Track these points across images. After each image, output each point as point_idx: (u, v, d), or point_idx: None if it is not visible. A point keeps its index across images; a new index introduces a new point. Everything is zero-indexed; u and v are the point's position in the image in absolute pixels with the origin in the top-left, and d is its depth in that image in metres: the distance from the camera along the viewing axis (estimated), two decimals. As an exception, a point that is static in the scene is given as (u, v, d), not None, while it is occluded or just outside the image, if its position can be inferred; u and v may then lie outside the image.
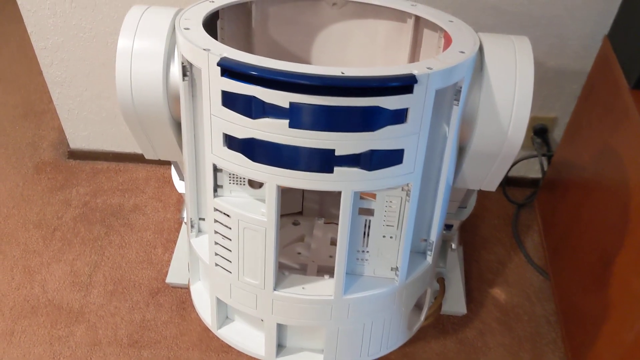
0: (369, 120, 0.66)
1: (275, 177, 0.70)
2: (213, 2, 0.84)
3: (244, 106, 0.67)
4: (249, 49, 0.96)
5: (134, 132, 0.84)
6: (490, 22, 1.15)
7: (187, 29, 0.73)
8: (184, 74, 0.74)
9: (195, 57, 0.70)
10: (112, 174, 1.47)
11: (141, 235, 1.31)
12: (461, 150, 0.82)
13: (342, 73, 0.64)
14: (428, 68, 0.67)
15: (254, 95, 0.66)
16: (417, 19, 0.91)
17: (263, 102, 0.66)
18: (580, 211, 1.11)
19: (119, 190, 1.43)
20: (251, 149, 0.69)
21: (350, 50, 0.99)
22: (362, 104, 0.65)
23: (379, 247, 0.79)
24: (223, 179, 0.77)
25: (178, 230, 1.33)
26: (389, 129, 0.68)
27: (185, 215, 1.09)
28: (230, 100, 0.68)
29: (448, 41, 0.82)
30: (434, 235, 0.83)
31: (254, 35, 0.95)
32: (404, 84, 0.65)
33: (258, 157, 0.70)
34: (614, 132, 0.98)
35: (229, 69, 0.66)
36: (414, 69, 0.67)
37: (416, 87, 0.66)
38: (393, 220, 0.78)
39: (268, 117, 0.67)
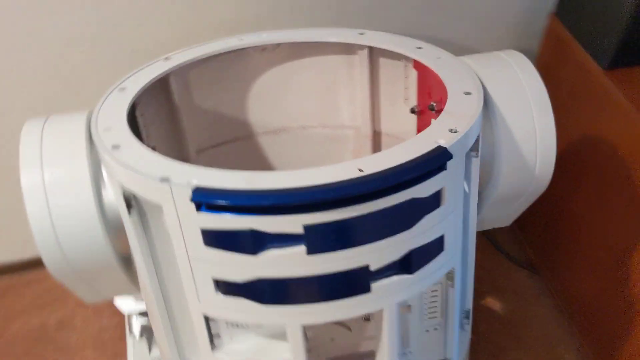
0: (405, 217, 0.51)
1: (299, 316, 0.53)
2: (124, 89, 0.63)
3: (240, 242, 0.49)
4: (176, 126, 0.77)
5: (69, 285, 0.63)
6: (416, 18, 1.01)
7: (117, 146, 0.53)
8: (128, 207, 0.54)
9: (146, 190, 0.50)
10: (22, 288, 1.20)
11: (80, 358, 1.08)
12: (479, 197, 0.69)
13: (361, 170, 0.48)
14: (452, 131, 0.53)
15: (251, 227, 0.48)
16: (371, 48, 0.75)
17: (265, 234, 0.48)
18: (568, 203, 1.03)
19: (37, 307, 1.17)
20: (259, 291, 0.52)
21: (293, 97, 0.82)
22: (394, 202, 0.49)
23: (422, 343, 0.65)
24: (219, 326, 0.58)
25: (123, 339, 1.10)
26: (427, 219, 0.53)
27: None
28: (216, 239, 0.49)
29: (424, 71, 0.68)
30: (469, 302, 0.69)
31: (180, 109, 0.75)
32: (439, 164, 0.50)
33: (270, 298, 0.52)
34: (596, 118, 0.90)
35: (210, 204, 0.47)
36: (439, 139, 0.52)
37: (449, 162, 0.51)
38: (435, 310, 0.63)
39: (276, 249, 0.49)
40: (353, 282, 0.52)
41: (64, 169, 0.55)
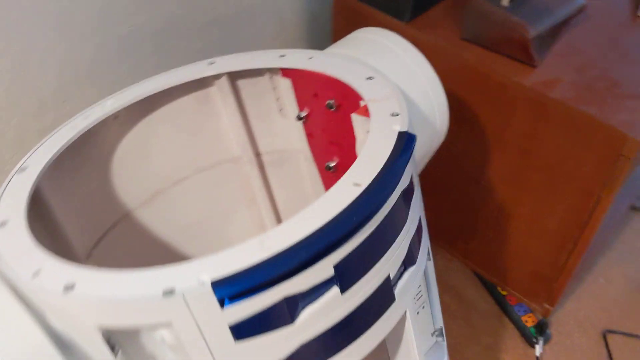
0: (403, 210, 0.50)
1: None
2: (6, 221, 0.50)
3: (275, 317, 0.43)
4: (58, 238, 0.64)
5: None
6: (216, 36, 0.98)
7: (71, 286, 0.42)
8: (113, 349, 0.44)
9: (145, 315, 0.41)
10: None
11: None
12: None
13: (358, 184, 0.46)
14: (394, 115, 0.53)
15: (284, 295, 0.42)
16: (228, 74, 0.71)
17: (299, 295, 0.43)
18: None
19: None
20: (303, 357, 0.46)
21: (156, 154, 0.74)
22: (395, 199, 0.48)
23: (418, 325, 0.65)
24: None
25: None
26: (412, 206, 0.52)
27: None
28: (248, 327, 0.43)
29: (299, 76, 0.67)
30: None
31: (57, 216, 0.63)
32: (412, 148, 0.50)
33: (316, 358, 0.47)
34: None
35: (238, 292, 0.40)
36: (393, 125, 0.51)
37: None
38: (420, 290, 0.64)
39: (311, 304, 0.45)
40: (382, 298, 0.50)
41: (15, 343, 0.42)
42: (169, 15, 0.88)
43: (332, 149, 0.70)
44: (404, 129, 0.51)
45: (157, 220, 0.75)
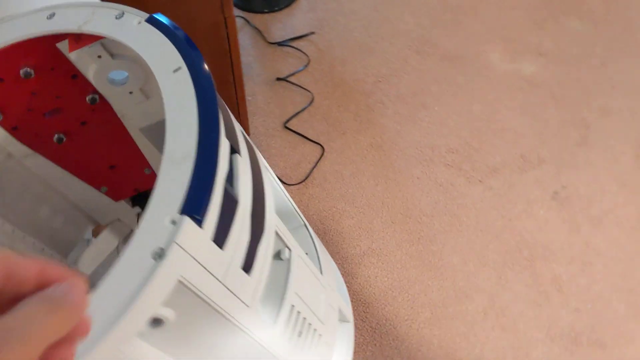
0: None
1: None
2: None
3: (230, 207, 0.45)
4: None
5: None
6: None
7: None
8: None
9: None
10: None
11: None
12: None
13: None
14: (118, 16, 0.53)
15: (224, 178, 0.44)
16: None
17: (227, 177, 0.46)
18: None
19: None
20: (257, 226, 0.50)
21: None
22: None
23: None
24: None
25: None
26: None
27: None
28: (222, 229, 0.44)
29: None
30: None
31: None
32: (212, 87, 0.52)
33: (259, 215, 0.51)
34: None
35: (205, 200, 0.41)
36: (133, 20, 0.52)
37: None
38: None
39: (235, 181, 0.48)
40: (252, 154, 0.54)
41: None
42: None
43: (53, 121, 0.64)
44: (147, 16, 0.51)
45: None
